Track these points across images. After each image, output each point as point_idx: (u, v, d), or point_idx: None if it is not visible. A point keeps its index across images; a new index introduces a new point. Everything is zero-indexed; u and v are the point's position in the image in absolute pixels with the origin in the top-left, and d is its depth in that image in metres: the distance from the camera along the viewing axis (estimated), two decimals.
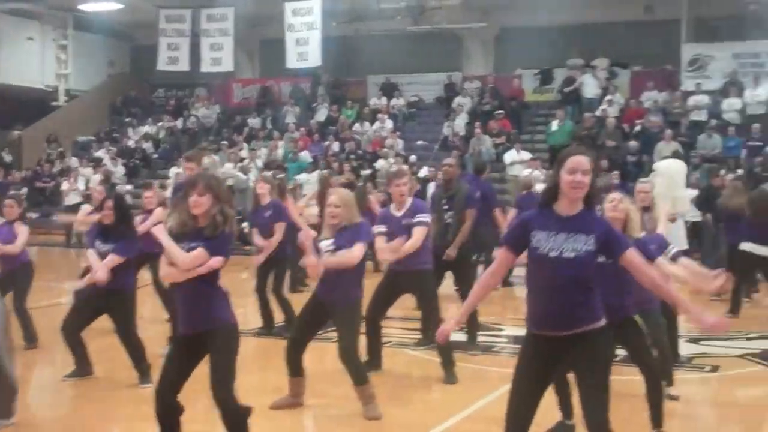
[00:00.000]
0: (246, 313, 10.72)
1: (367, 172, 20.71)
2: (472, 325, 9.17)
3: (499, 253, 4.58)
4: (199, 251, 5.08)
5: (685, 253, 8.95)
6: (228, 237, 5.22)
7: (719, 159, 18.71)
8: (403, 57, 25.49)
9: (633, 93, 22.67)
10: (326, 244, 6.60)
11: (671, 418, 6.64)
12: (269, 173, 14.29)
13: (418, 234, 7.62)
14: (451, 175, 9.42)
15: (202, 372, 5.20)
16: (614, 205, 6.00)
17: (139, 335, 7.67)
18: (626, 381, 6.56)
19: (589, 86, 22.42)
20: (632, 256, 4.42)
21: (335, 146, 23.10)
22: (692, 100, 20.90)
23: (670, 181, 13.00)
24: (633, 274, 4.48)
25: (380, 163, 21.27)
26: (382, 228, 7.68)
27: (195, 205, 5.10)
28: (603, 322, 4.46)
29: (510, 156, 20.21)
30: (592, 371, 4.42)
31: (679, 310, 4.45)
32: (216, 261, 5.13)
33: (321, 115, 25.40)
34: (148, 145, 26.19)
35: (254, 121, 25.94)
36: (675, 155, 17.99)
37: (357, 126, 24.20)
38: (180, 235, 5.16)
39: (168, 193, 11.92)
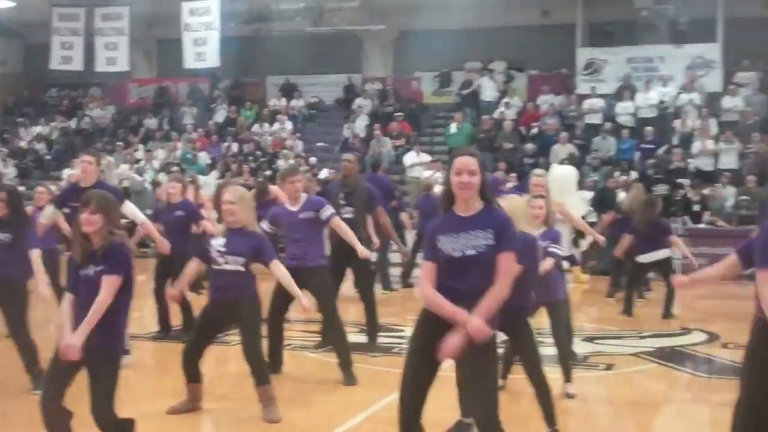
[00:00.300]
0: (143, 316, 10.49)
1: (266, 173, 20.51)
2: (371, 326, 9.16)
3: (424, 266, 4.59)
4: (106, 280, 4.91)
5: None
6: (123, 255, 5.06)
7: (614, 161, 19.17)
8: (303, 58, 25.34)
9: (530, 96, 23.02)
10: (218, 243, 6.48)
11: (567, 416, 6.74)
12: (177, 172, 14.03)
13: (338, 221, 7.85)
14: (350, 170, 9.39)
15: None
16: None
17: (31, 337, 7.35)
18: (523, 380, 6.61)
19: (487, 89, 22.69)
20: (507, 260, 4.43)
21: (234, 147, 22.84)
22: (587, 104, 21.34)
23: (561, 186, 13.30)
24: (497, 272, 4.44)
25: (280, 165, 21.10)
26: (266, 226, 7.63)
27: (86, 223, 4.97)
28: (495, 329, 4.53)
29: (410, 158, 20.30)
30: (478, 367, 4.44)
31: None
32: (110, 280, 4.95)
33: (219, 116, 25.09)
34: (40, 146, 25.42)
35: (151, 122, 25.46)
36: (571, 157, 18.42)
37: (256, 127, 23.96)
38: (82, 262, 5.01)
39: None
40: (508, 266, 4.45)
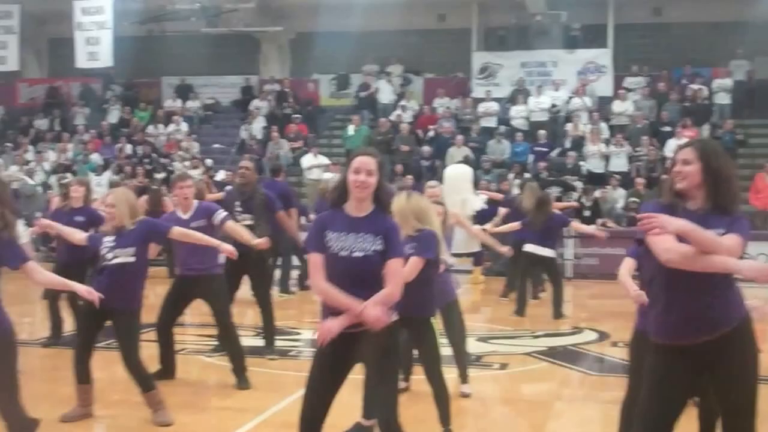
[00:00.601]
0: (35, 322, 10.19)
1: (161, 175, 20.18)
2: (269, 329, 9.10)
3: (312, 258, 4.54)
4: None
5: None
6: (7, 242, 4.98)
7: (508, 164, 19.50)
8: (199, 59, 25.04)
9: (426, 99, 23.24)
10: (107, 240, 6.42)
11: (463, 415, 6.83)
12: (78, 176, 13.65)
13: (231, 224, 7.73)
14: (248, 178, 9.30)
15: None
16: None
17: None
18: (423, 380, 6.66)
19: (384, 92, 22.84)
20: (395, 266, 4.45)
21: (128, 149, 22.39)
22: (482, 107, 21.67)
23: (456, 185, 13.49)
24: (385, 278, 4.45)
25: (175, 167, 20.80)
26: None
27: None
28: (394, 317, 4.52)
29: (307, 160, 20.24)
30: (381, 367, 4.47)
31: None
32: None
33: (113, 116, 24.55)
34: None
35: (41, 123, 24.77)
36: (466, 160, 18.65)
37: (151, 128, 23.56)
38: None
39: None
40: (398, 271, 4.48)
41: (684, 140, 17.56)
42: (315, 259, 4.48)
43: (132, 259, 6.37)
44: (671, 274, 3.96)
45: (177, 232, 6.82)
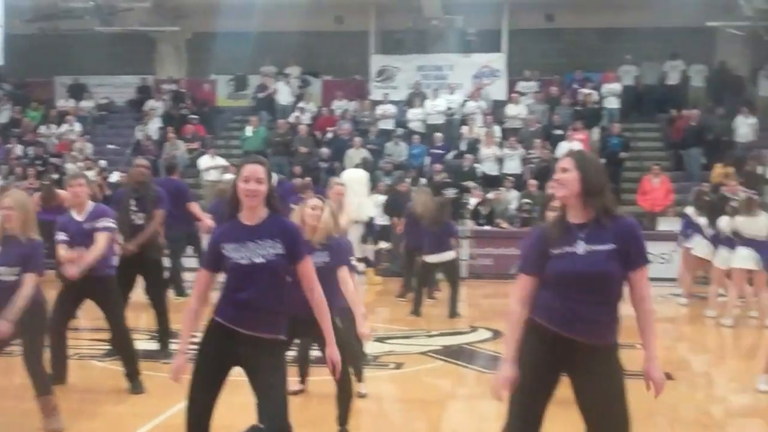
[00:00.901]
0: None
1: (53, 176, 19.70)
2: (163, 333, 9.02)
3: (201, 274, 4.65)
4: None
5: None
6: None
7: (405, 166, 19.69)
8: (94, 58, 24.52)
9: (324, 101, 23.30)
10: None
11: (359, 415, 6.88)
12: None
13: (102, 240, 7.37)
14: (142, 176, 9.19)
15: None
16: (316, 213, 6.14)
17: None
18: (320, 382, 6.72)
19: (283, 93, 22.79)
20: (306, 265, 4.59)
21: (18, 150, 21.78)
22: (380, 109, 21.82)
23: (352, 189, 13.57)
24: (301, 282, 4.61)
25: (68, 168, 20.32)
26: (63, 236, 7.37)
27: None
28: (284, 322, 4.63)
29: (204, 162, 20.03)
30: (271, 369, 4.52)
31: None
32: None
33: (3, 116, 23.85)
34: None
35: None
36: (364, 162, 18.77)
37: (43, 128, 22.97)
38: None
39: None
40: (310, 272, 4.60)
41: (575, 143, 18.24)
42: (199, 273, 4.66)
43: (16, 278, 6.11)
44: (560, 290, 4.12)
45: (28, 279, 6.15)
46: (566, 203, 4.19)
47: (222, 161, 19.81)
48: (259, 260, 4.44)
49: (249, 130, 21.15)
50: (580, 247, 4.10)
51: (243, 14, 22.37)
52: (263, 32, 23.06)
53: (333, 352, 4.75)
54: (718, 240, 11.96)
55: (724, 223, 11.64)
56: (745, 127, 20.11)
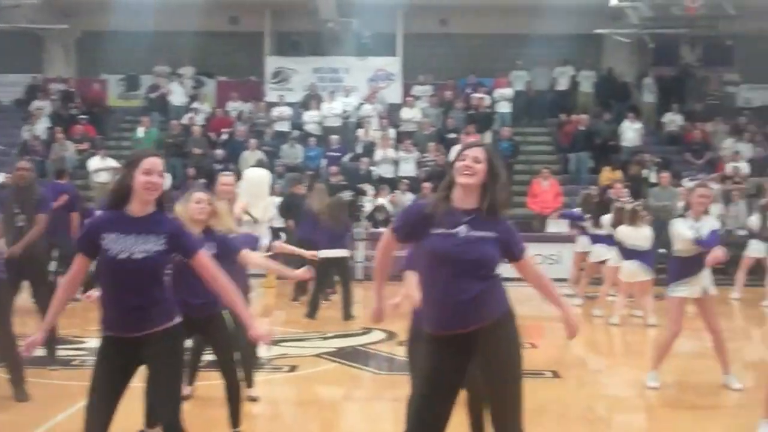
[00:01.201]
0: None
1: None
2: (50, 338, 8.78)
3: (76, 260, 4.48)
4: None
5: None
6: None
7: (301, 168, 19.65)
8: None
9: (219, 102, 23.08)
10: None
11: (253, 418, 6.85)
12: None
13: None
14: (25, 179, 8.94)
15: None
16: (201, 207, 6.03)
17: None
18: (211, 386, 6.65)
19: (176, 94, 22.49)
20: (202, 257, 4.52)
21: None
22: (276, 111, 21.74)
23: (255, 189, 13.46)
24: (201, 275, 4.55)
25: None
26: None
27: None
28: (177, 320, 4.53)
29: (94, 163, 19.58)
30: (166, 371, 4.45)
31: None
32: None
33: None
34: None
35: None
36: (259, 164, 18.62)
37: None
38: None
39: None
40: (207, 263, 4.52)
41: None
42: (78, 261, 4.47)
43: None
44: (436, 271, 4.23)
45: None
46: (466, 190, 4.29)
47: (113, 163, 19.37)
48: (138, 256, 4.33)
49: (141, 131, 20.77)
50: (462, 231, 4.24)
51: (135, 13, 21.99)
52: (156, 32, 22.70)
53: (256, 328, 4.62)
54: (601, 238, 12.32)
55: (607, 220, 12.02)
56: (631, 131, 20.75)
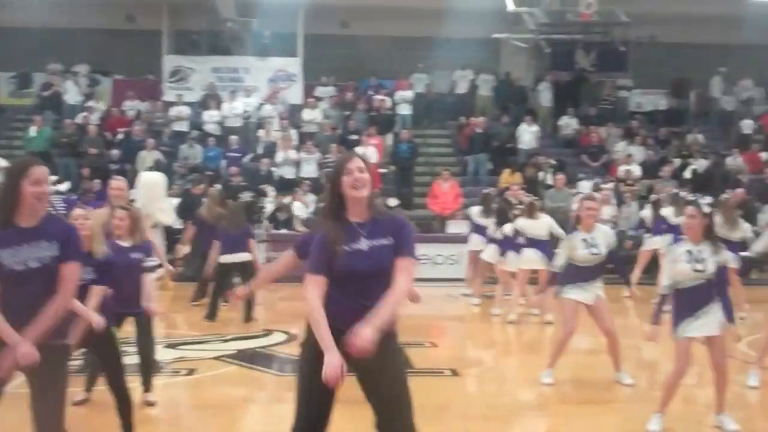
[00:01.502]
0: None
1: None
2: None
3: None
4: None
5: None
6: None
7: (200, 169, 19.41)
8: None
9: (115, 101, 22.65)
10: None
11: (151, 423, 6.77)
12: None
13: None
14: None
15: None
16: (81, 223, 5.87)
17: None
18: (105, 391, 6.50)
19: (70, 92, 21.98)
20: (71, 270, 4.39)
21: None
22: (174, 111, 21.42)
23: (151, 193, 13.27)
24: (57, 284, 4.36)
25: None
26: None
27: None
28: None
29: None
30: (47, 379, 4.35)
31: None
32: None
33: None
34: None
35: None
36: (157, 164, 18.36)
37: None
38: None
39: None
40: (71, 275, 4.39)
41: (370, 148, 18.57)
42: None
43: None
44: (344, 285, 4.18)
45: None
46: (360, 203, 4.26)
47: (3, 163, 18.82)
48: (34, 264, 4.28)
49: (33, 130, 20.20)
50: (364, 244, 4.21)
51: (25, 9, 21.39)
52: (50, 28, 22.07)
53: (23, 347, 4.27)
54: (505, 244, 12.52)
55: (509, 229, 12.28)
56: (528, 134, 21.16)
